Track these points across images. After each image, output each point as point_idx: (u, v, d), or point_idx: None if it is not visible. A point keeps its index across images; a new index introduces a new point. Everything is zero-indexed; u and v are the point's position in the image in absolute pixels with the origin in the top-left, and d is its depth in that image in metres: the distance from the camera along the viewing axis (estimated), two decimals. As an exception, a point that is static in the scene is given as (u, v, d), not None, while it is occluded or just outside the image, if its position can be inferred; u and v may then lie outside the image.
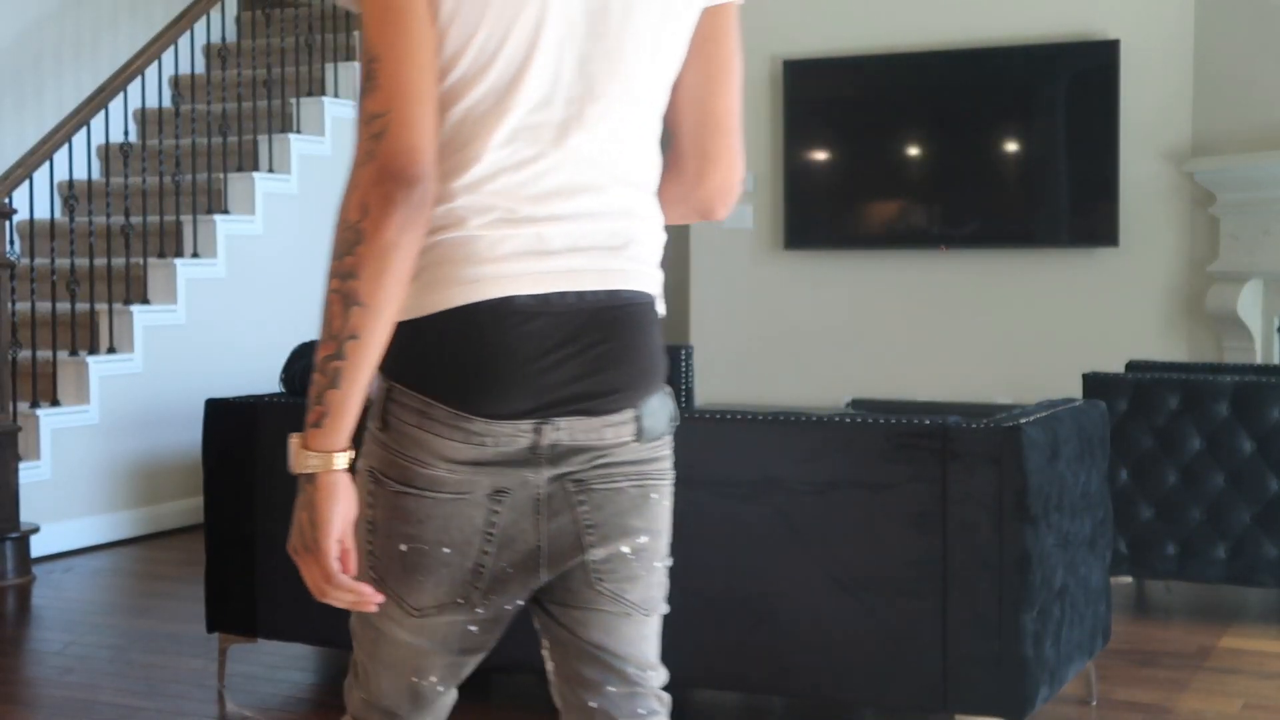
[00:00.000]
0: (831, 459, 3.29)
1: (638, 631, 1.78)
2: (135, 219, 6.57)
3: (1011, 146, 7.80)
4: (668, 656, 3.51)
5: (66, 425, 5.93)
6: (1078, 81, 7.52)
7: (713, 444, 3.40)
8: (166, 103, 7.31)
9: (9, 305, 5.52)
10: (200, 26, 7.20)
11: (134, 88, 6.68)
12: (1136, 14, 7.35)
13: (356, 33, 7.37)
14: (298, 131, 7.17)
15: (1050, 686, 3.28)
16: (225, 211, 6.73)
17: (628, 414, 1.70)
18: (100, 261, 6.32)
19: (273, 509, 3.68)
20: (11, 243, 5.90)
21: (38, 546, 5.63)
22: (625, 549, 1.73)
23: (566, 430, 1.66)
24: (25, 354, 5.95)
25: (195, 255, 6.56)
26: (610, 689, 1.77)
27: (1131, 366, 5.21)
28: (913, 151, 8.03)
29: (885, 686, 3.30)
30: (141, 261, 6.43)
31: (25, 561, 5.41)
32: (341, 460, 1.59)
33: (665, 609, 1.81)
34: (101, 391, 6.07)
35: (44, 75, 7.21)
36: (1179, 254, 7.34)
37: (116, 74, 6.31)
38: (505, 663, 3.66)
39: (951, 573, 3.19)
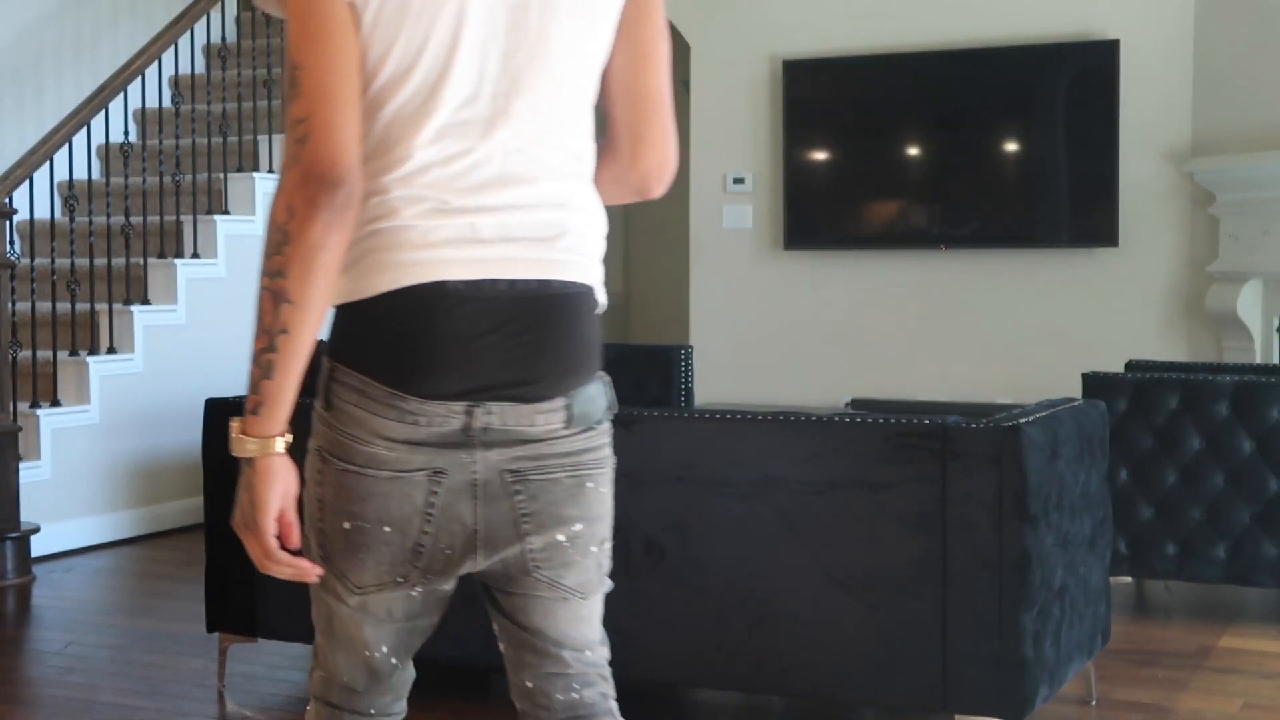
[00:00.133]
0: (831, 459, 3.29)
1: (575, 614, 1.84)
2: (135, 219, 6.57)
3: (1011, 146, 7.80)
4: (668, 655, 3.50)
5: (66, 425, 5.93)
6: (1078, 81, 7.52)
7: (713, 444, 3.40)
8: (166, 103, 7.31)
9: (9, 305, 5.52)
10: (200, 26, 7.20)
11: (134, 88, 6.67)
12: (1136, 14, 7.35)
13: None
14: (298, 131, 7.16)
15: (1050, 686, 3.28)
16: (225, 211, 6.73)
17: (558, 402, 1.76)
18: (100, 261, 6.32)
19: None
20: (11, 243, 5.90)
21: (38, 546, 5.63)
22: (561, 537, 1.79)
23: (498, 415, 1.72)
24: (25, 354, 5.95)
25: (195, 255, 6.56)
26: (546, 670, 1.85)
27: (1131, 366, 5.21)
28: (912, 151, 8.03)
29: (885, 686, 3.30)
30: (141, 261, 6.44)
31: (25, 561, 5.41)
32: (279, 444, 1.69)
33: (608, 586, 1.88)
34: (101, 391, 6.07)
35: (44, 75, 7.21)
36: (1179, 254, 7.34)
37: (116, 74, 6.31)
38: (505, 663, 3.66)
39: (951, 573, 3.19)
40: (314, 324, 1.66)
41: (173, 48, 6.67)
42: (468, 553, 1.76)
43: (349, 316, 1.73)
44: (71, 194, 6.05)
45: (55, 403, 5.92)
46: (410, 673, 1.91)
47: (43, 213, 6.70)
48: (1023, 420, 3.19)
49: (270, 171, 6.91)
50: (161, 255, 6.53)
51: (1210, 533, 4.54)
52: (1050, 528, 3.23)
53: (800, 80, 8.05)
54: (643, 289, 10.03)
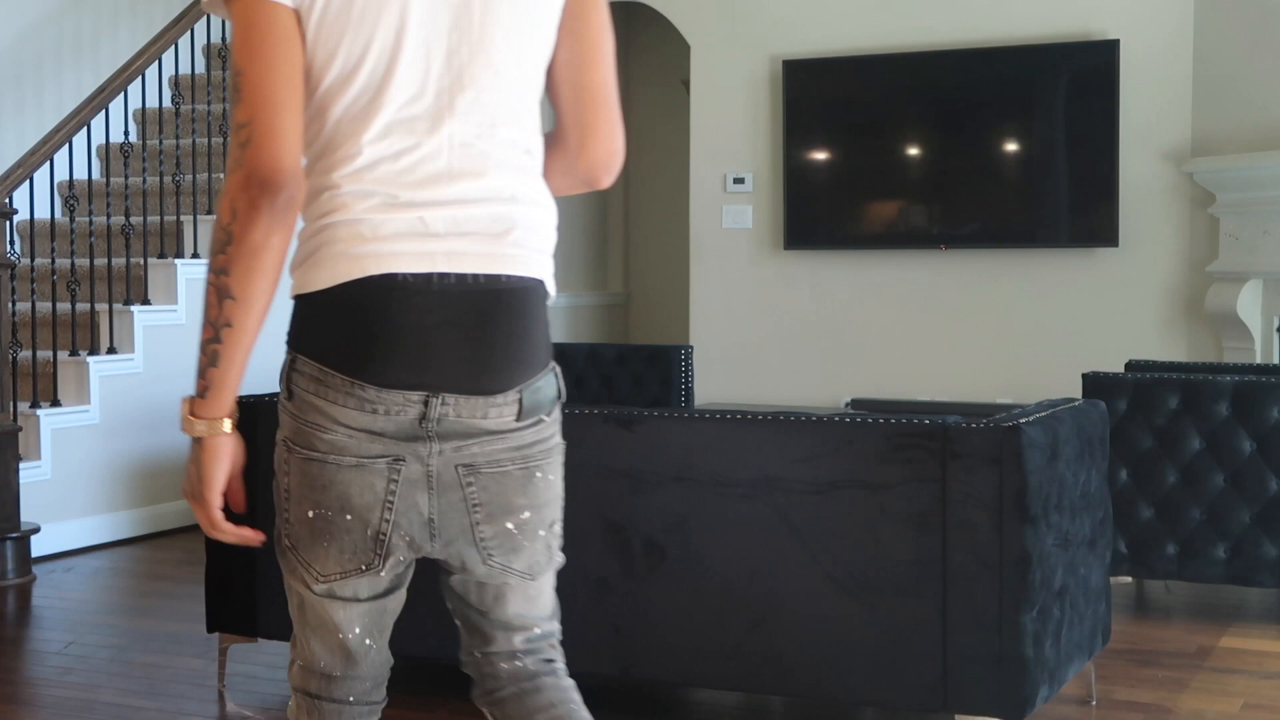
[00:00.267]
0: (831, 459, 3.29)
1: (525, 595, 1.93)
2: (135, 219, 6.57)
3: (1011, 146, 7.80)
4: (668, 655, 3.50)
5: (66, 425, 5.93)
6: (1078, 81, 7.52)
7: (713, 444, 3.40)
8: (166, 103, 7.31)
9: (9, 305, 5.52)
10: (200, 26, 7.20)
11: (134, 88, 6.67)
12: (1136, 14, 7.35)
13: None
14: (298, 131, 7.16)
15: (1050, 686, 3.28)
16: (225, 211, 6.73)
17: (511, 395, 1.83)
18: (100, 261, 6.32)
19: (273, 509, 3.66)
20: (11, 243, 5.90)
21: (38, 546, 5.63)
22: (510, 525, 1.87)
23: (453, 406, 1.79)
24: (25, 354, 5.95)
25: (195, 255, 6.56)
26: (495, 647, 1.94)
27: (1131, 366, 5.21)
28: (912, 151, 8.03)
29: (885, 686, 3.30)
30: (141, 261, 6.44)
31: (25, 561, 5.41)
32: (225, 425, 1.79)
33: (559, 563, 1.97)
34: (101, 391, 6.07)
35: (44, 75, 7.21)
36: (1179, 254, 7.34)
37: (116, 74, 6.31)
38: (505, 663, 3.66)
39: (951, 573, 3.19)
40: (257, 317, 1.75)
41: (173, 48, 6.67)
42: (424, 540, 1.84)
43: (305, 308, 1.81)
44: (71, 194, 6.05)
45: (55, 403, 5.92)
46: (387, 657, 1.95)
47: (43, 213, 6.70)
48: (1023, 420, 3.19)
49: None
50: (161, 255, 6.53)
51: (1210, 533, 4.54)
52: (1050, 528, 3.23)
53: (800, 80, 8.05)
54: (643, 289, 10.03)
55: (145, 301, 6.35)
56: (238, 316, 1.73)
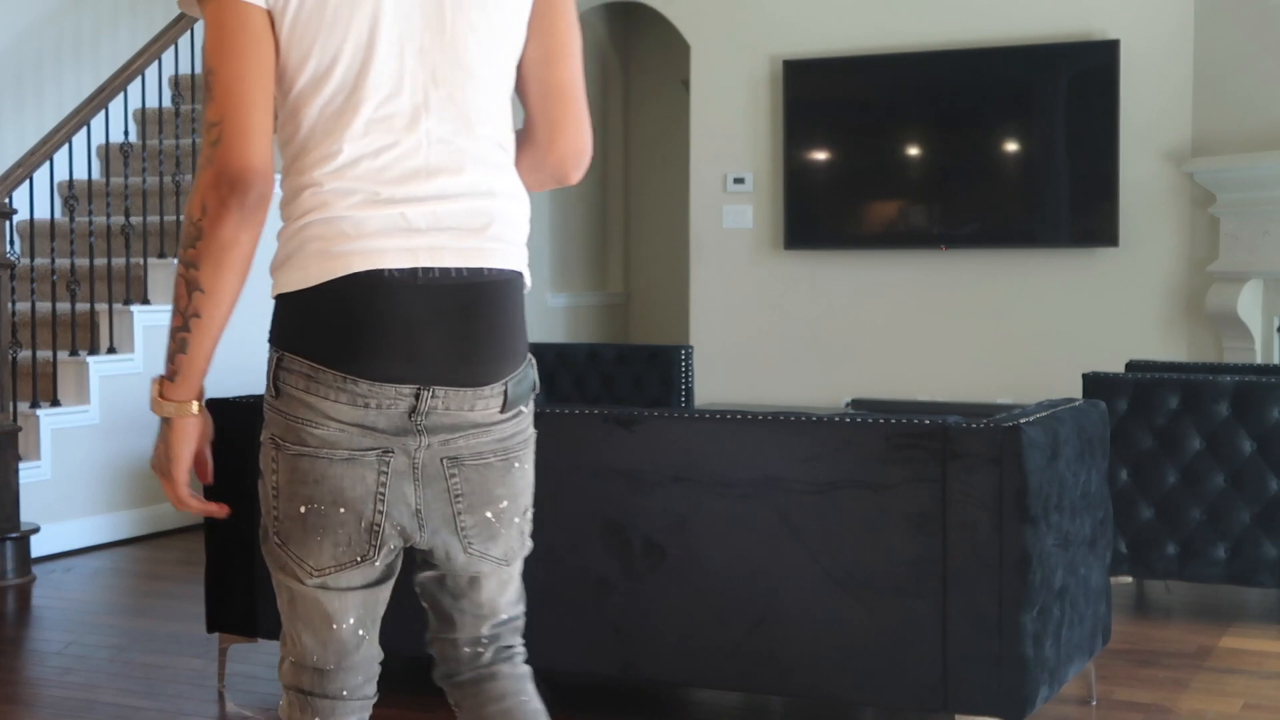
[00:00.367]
0: (831, 459, 3.29)
1: (499, 580, 1.99)
2: (135, 219, 6.57)
3: (1011, 146, 7.80)
4: (668, 655, 3.50)
5: (66, 425, 5.93)
6: (1078, 81, 7.52)
7: (713, 444, 3.40)
8: (166, 103, 7.31)
9: (9, 305, 5.52)
10: (200, 27, 7.19)
11: (134, 88, 6.67)
12: (1136, 14, 7.35)
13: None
14: (298, 131, 7.16)
15: (1050, 686, 3.28)
16: (225, 211, 6.72)
17: (497, 387, 1.88)
18: (100, 261, 6.32)
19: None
20: (11, 243, 5.90)
21: (38, 546, 5.63)
22: (489, 514, 1.93)
23: (442, 399, 1.84)
24: (25, 354, 5.95)
25: (195, 255, 6.55)
26: (463, 633, 2.00)
27: (1131, 366, 5.21)
28: (913, 151, 8.03)
29: (885, 686, 3.30)
30: (141, 261, 6.43)
31: (25, 561, 5.41)
32: (193, 407, 1.86)
33: (528, 549, 2.02)
34: (101, 391, 6.07)
35: (44, 75, 7.21)
36: (1179, 254, 7.34)
37: (116, 74, 6.31)
38: (505, 663, 3.66)
39: (951, 573, 3.19)
40: (224, 309, 1.80)
41: (173, 48, 6.67)
42: (414, 530, 1.89)
43: (290, 307, 1.83)
44: (71, 194, 6.05)
45: (55, 403, 5.92)
46: (378, 652, 1.97)
47: (43, 213, 6.70)
48: (1023, 420, 3.19)
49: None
50: (161, 255, 6.53)
51: (1210, 533, 4.54)
52: (1050, 528, 3.23)
53: (800, 80, 8.05)
54: (643, 289, 10.03)
55: (145, 301, 6.35)
56: (206, 308, 1.79)
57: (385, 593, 1.94)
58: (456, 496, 1.90)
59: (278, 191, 1.86)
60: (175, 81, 7.44)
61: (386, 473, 1.85)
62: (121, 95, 6.38)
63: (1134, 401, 4.58)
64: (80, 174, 6.61)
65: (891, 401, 7.64)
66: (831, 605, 3.29)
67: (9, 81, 7.03)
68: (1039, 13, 7.56)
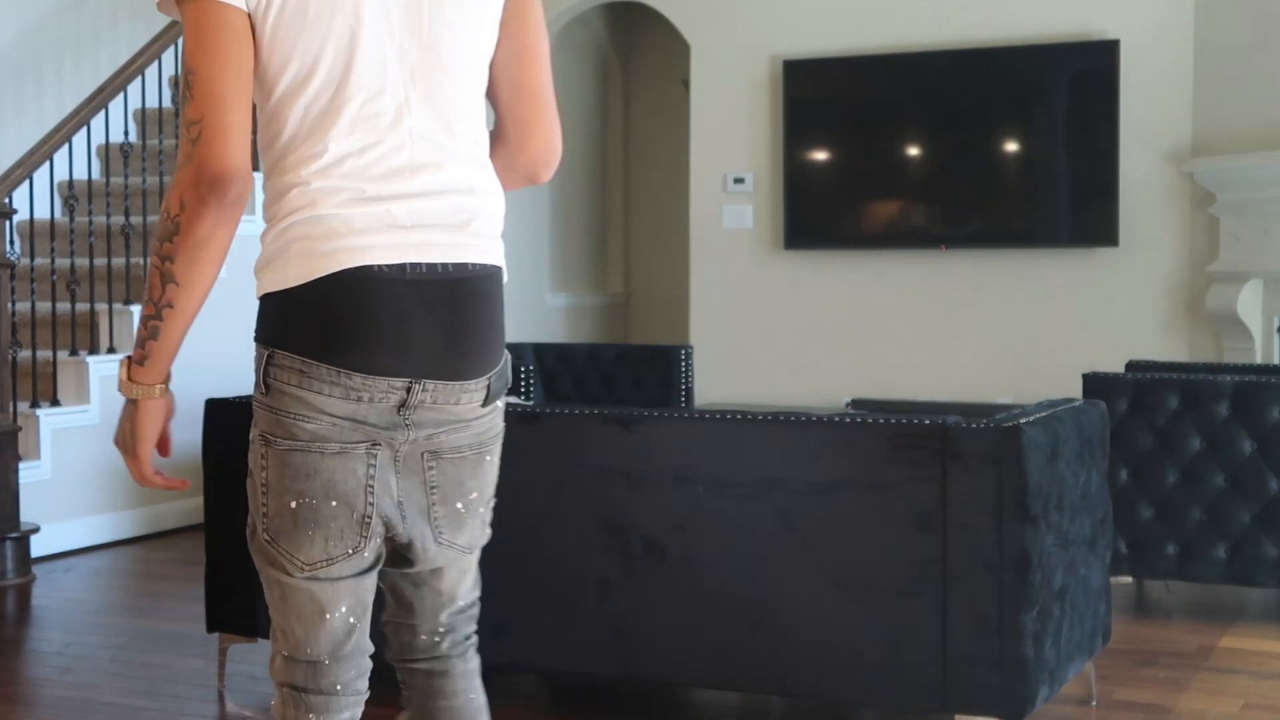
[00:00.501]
0: (831, 459, 3.29)
1: (459, 568, 2.05)
2: (135, 219, 6.57)
3: (1011, 146, 7.80)
4: (668, 655, 3.50)
5: (66, 425, 5.93)
6: (1078, 81, 7.52)
7: (713, 444, 3.40)
8: (166, 103, 7.31)
9: (9, 305, 5.52)
10: (200, 26, 7.19)
11: (134, 88, 6.67)
12: (1136, 14, 7.35)
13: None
14: (298, 131, 7.16)
15: (1050, 686, 3.28)
16: (225, 211, 6.72)
17: (481, 381, 1.93)
18: (100, 261, 6.32)
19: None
20: (11, 243, 5.90)
21: (38, 546, 5.63)
22: (459, 505, 1.99)
23: (431, 393, 1.88)
24: (25, 354, 5.95)
25: (195, 255, 6.55)
26: (422, 622, 2.05)
27: (1131, 366, 5.21)
28: (913, 151, 8.03)
29: (885, 686, 3.30)
30: (141, 261, 6.43)
31: (25, 561, 5.41)
32: (159, 390, 1.89)
33: (488, 536, 2.08)
34: (101, 391, 6.07)
35: (44, 75, 7.21)
36: (1179, 254, 7.34)
37: (116, 74, 6.31)
38: (505, 663, 3.66)
39: (951, 573, 3.19)
40: (197, 301, 1.84)
41: (173, 48, 6.66)
42: (397, 521, 1.94)
43: (280, 305, 1.86)
44: (71, 194, 6.05)
45: (55, 403, 5.92)
46: (368, 645, 1.99)
47: (43, 213, 6.70)
48: (1023, 420, 3.19)
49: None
50: (161, 255, 6.52)
51: (1210, 533, 4.53)
52: (1050, 528, 3.23)
53: (800, 80, 8.05)
54: (643, 289, 10.03)
55: (145, 301, 6.35)
56: (179, 300, 1.82)
57: (373, 581, 1.98)
58: (432, 488, 1.95)
59: (257, 192, 1.87)
60: (175, 81, 7.44)
61: (375, 465, 1.89)
62: (121, 95, 6.38)
63: (1134, 401, 4.58)
64: (80, 174, 6.61)
65: (891, 401, 7.64)
66: (831, 605, 3.29)
67: (9, 81, 7.03)
68: (1039, 13, 7.56)
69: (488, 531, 2.07)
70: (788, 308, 8.15)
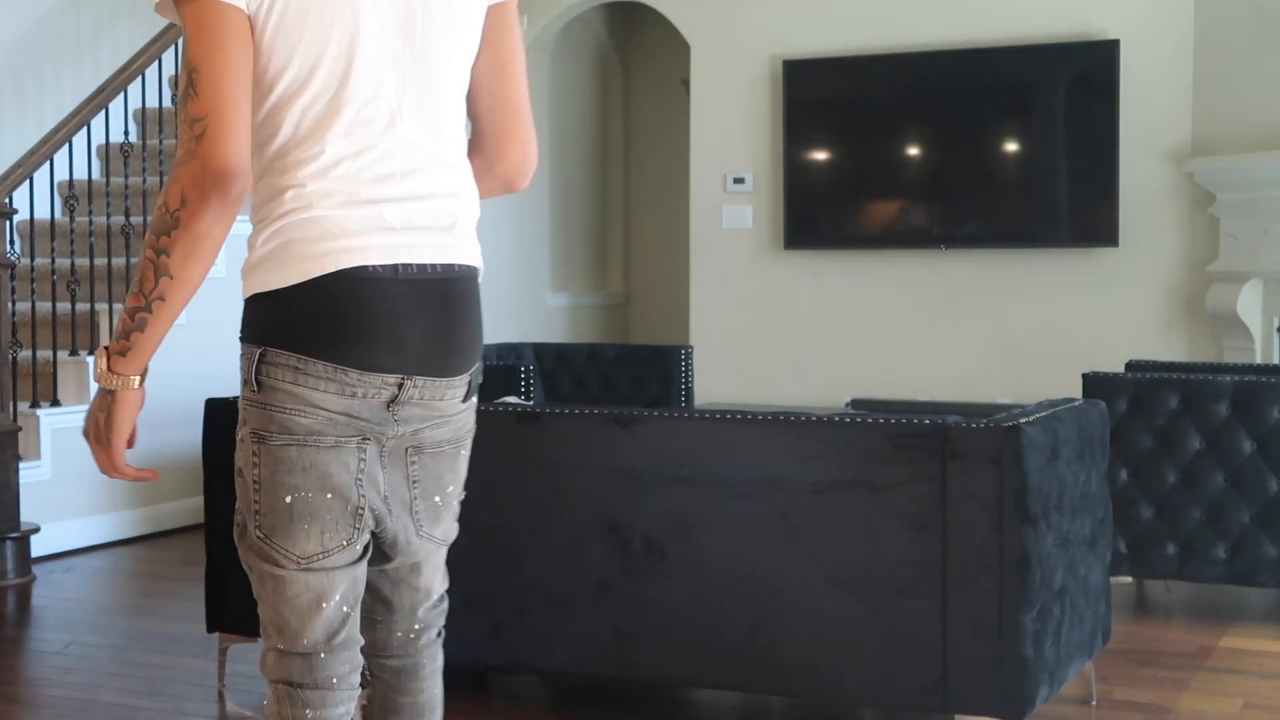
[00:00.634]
0: (831, 459, 3.29)
1: (434, 562, 2.12)
2: (135, 219, 6.57)
3: (1011, 146, 7.80)
4: (668, 655, 3.50)
5: (66, 425, 5.93)
6: (1078, 81, 7.52)
7: (713, 444, 3.40)
8: (166, 103, 7.30)
9: (9, 305, 5.52)
10: (200, 26, 7.18)
11: (134, 88, 6.67)
12: (1136, 14, 7.35)
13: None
14: (298, 131, 7.15)
15: (1050, 686, 3.28)
16: (225, 211, 6.71)
17: (464, 377, 2.00)
18: (100, 261, 6.31)
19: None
20: (11, 243, 5.90)
21: (38, 546, 5.63)
22: (438, 499, 2.06)
23: (420, 389, 1.93)
24: (25, 354, 5.95)
25: (195, 255, 6.54)
26: (398, 619, 2.10)
27: (1131, 366, 5.21)
28: (913, 151, 8.03)
29: (885, 686, 3.30)
30: (141, 261, 6.43)
31: (25, 561, 5.41)
32: (136, 381, 1.92)
33: (457, 529, 2.13)
34: (101, 391, 6.06)
35: (44, 75, 7.21)
36: (1179, 254, 7.34)
37: (116, 74, 6.31)
38: (504, 663, 3.66)
39: (951, 573, 3.19)
40: (186, 296, 1.87)
41: (173, 48, 6.66)
42: (385, 514, 1.98)
43: (272, 304, 1.89)
44: (71, 194, 6.04)
45: (55, 403, 5.92)
46: (359, 637, 2.03)
47: (43, 213, 6.70)
48: (1023, 420, 3.19)
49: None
50: (161, 255, 6.52)
51: (1210, 533, 4.53)
52: (1050, 528, 3.23)
53: (800, 80, 8.05)
54: (643, 289, 10.03)
55: (145, 301, 6.34)
56: (170, 293, 1.85)
57: (364, 570, 2.01)
58: (414, 482, 2.01)
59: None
60: (175, 81, 7.43)
61: (364, 459, 1.94)
62: (121, 95, 6.37)
63: (1134, 401, 4.58)
64: (80, 174, 6.60)
65: (891, 401, 7.63)
66: (831, 605, 3.29)
67: (9, 81, 7.03)
68: (1039, 13, 7.56)
69: (457, 525, 2.13)
70: (788, 308, 8.15)
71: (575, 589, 3.51)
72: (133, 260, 6.41)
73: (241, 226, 1.95)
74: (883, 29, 7.89)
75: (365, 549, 1.99)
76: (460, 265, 1.96)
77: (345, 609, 1.97)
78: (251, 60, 1.86)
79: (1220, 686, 3.94)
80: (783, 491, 3.31)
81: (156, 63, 6.58)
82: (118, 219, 6.49)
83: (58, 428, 5.89)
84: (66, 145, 6.05)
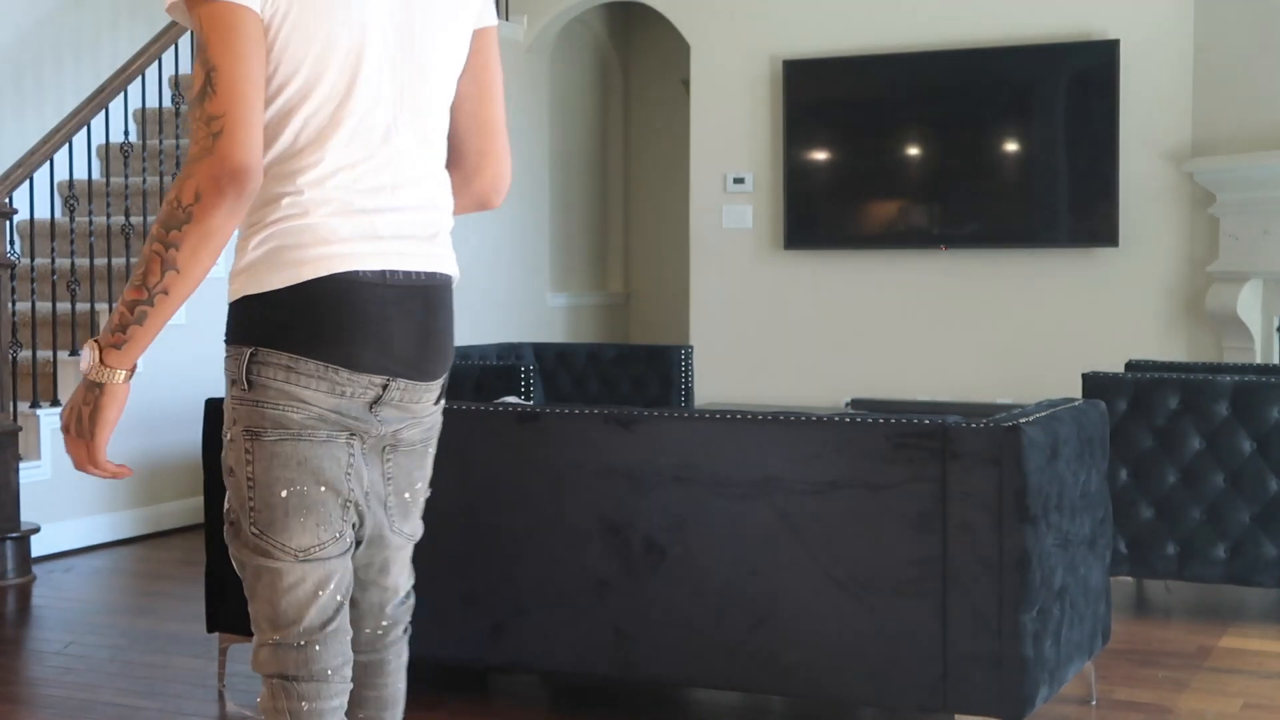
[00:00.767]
0: (831, 459, 3.29)
1: (401, 560, 2.17)
2: (135, 219, 6.57)
3: (1011, 146, 7.80)
4: (668, 655, 3.50)
5: (66, 425, 5.92)
6: (1078, 81, 7.52)
7: (713, 444, 3.40)
8: (166, 103, 7.30)
9: (9, 305, 5.52)
10: (200, 27, 7.18)
11: (134, 88, 6.67)
12: (1136, 14, 7.35)
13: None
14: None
15: (1050, 686, 3.28)
16: (225, 211, 6.71)
17: (440, 380, 2.08)
18: (100, 261, 6.31)
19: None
20: (11, 243, 5.90)
21: (38, 546, 5.63)
22: (407, 495, 2.13)
23: (401, 390, 2.01)
24: (25, 354, 5.95)
25: (195, 255, 6.54)
26: (368, 614, 2.15)
27: (1131, 366, 5.21)
28: (913, 151, 8.03)
29: (885, 686, 3.30)
30: (141, 261, 6.43)
31: (25, 561, 5.41)
32: (124, 376, 1.91)
33: (422, 528, 2.20)
34: (101, 391, 6.06)
35: (44, 75, 7.21)
36: (1179, 254, 7.34)
37: (116, 74, 6.30)
38: (504, 663, 3.66)
39: (951, 573, 3.19)
40: (188, 291, 1.89)
41: (173, 48, 6.66)
42: (365, 509, 2.04)
43: (263, 306, 1.94)
44: (71, 194, 6.04)
45: (55, 403, 5.92)
46: (349, 628, 2.06)
47: (43, 213, 6.70)
48: (1023, 420, 3.19)
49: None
50: (161, 255, 6.52)
51: (1210, 533, 4.54)
52: (1050, 528, 3.23)
53: (800, 80, 8.05)
54: (643, 289, 10.03)
55: (145, 301, 6.34)
56: (175, 287, 1.87)
57: (350, 561, 2.06)
58: (388, 480, 2.09)
59: None
60: (175, 81, 7.43)
61: (353, 454, 2.00)
62: (121, 95, 6.37)
63: (1134, 401, 4.58)
64: (80, 174, 6.60)
65: (891, 401, 7.64)
66: (831, 605, 3.29)
67: (9, 81, 7.03)
68: (1039, 13, 7.56)
69: (422, 523, 2.19)
70: (787, 308, 8.15)
71: (575, 589, 3.51)
72: (133, 260, 6.41)
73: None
74: (883, 29, 7.89)
75: (355, 540, 2.05)
76: (440, 274, 2.04)
77: (339, 597, 2.02)
78: (265, 62, 1.89)
79: (1220, 686, 3.94)
80: (783, 491, 3.31)
81: (156, 63, 6.57)
82: (118, 219, 6.49)
83: (58, 428, 5.88)
84: (66, 145, 6.05)
